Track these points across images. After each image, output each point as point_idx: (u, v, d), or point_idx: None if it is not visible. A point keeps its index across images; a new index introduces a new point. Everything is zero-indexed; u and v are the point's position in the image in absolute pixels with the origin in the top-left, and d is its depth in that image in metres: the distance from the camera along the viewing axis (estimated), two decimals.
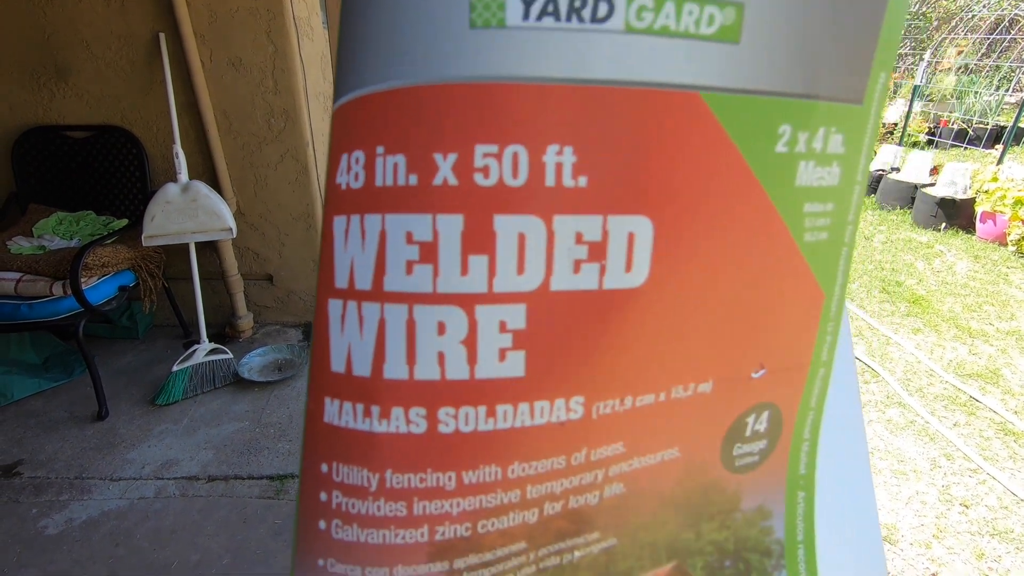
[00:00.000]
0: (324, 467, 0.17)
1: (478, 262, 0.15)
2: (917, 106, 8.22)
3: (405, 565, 0.16)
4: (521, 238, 0.15)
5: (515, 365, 0.16)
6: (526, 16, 0.14)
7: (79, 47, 2.28)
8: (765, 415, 0.18)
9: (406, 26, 0.14)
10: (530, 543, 0.17)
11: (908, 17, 11.20)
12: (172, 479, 1.90)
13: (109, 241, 2.22)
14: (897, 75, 9.09)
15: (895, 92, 8.44)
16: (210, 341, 2.43)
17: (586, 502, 0.17)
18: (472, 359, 0.16)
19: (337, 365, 0.17)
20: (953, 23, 9.96)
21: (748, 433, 0.18)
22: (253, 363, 2.46)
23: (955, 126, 7.73)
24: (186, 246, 2.33)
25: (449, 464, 0.16)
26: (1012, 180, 4.27)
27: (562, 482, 0.17)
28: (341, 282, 0.16)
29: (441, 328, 0.16)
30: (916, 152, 5.08)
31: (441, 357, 0.16)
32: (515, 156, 0.14)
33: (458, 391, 0.16)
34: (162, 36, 2.23)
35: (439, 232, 0.15)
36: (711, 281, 0.16)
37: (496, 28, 0.14)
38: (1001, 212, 4.13)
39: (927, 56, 8.15)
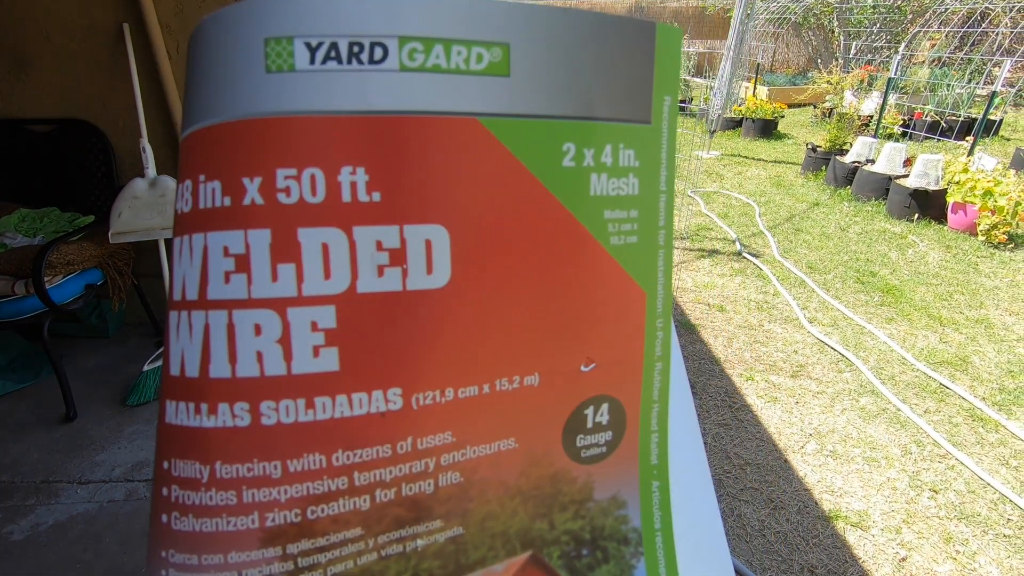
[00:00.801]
0: (165, 464, 0.19)
1: (286, 269, 0.17)
2: (892, 98, 8.35)
3: (239, 551, 0.18)
4: (325, 247, 0.17)
5: (329, 360, 0.17)
6: (312, 61, 0.17)
7: (38, 38, 2.20)
8: (605, 407, 0.20)
9: (217, 72, 0.17)
10: (366, 530, 0.18)
11: (883, 10, 11.36)
12: (143, 481, 1.86)
13: (74, 238, 2.16)
14: (873, 68, 9.21)
15: (871, 85, 8.55)
16: None
17: (421, 490, 0.18)
18: (288, 356, 0.18)
19: (174, 369, 0.18)
20: (927, 16, 10.12)
21: (590, 425, 0.20)
22: None
23: (928, 118, 7.87)
24: (156, 242, 2.28)
25: (274, 454, 0.18)
26: (982, 171, 4.36)
27: (391, 470, 0.18)
28: (176, 295, 0.18)
29: (257, 329, 0.17)
30: (890, 144, 5.15)
31: (259, 355, 0.18)
32: (312, 177, 0.17)
33: (277, 386, 0.18)
34: (126, 27, 2.17)
35: (250, 245, 0.17)
36: (518, 281, 0.18)
37: (287, 72, 0.17)
38: (971, 203, 4.21)
39: (901, 49, 8.28)
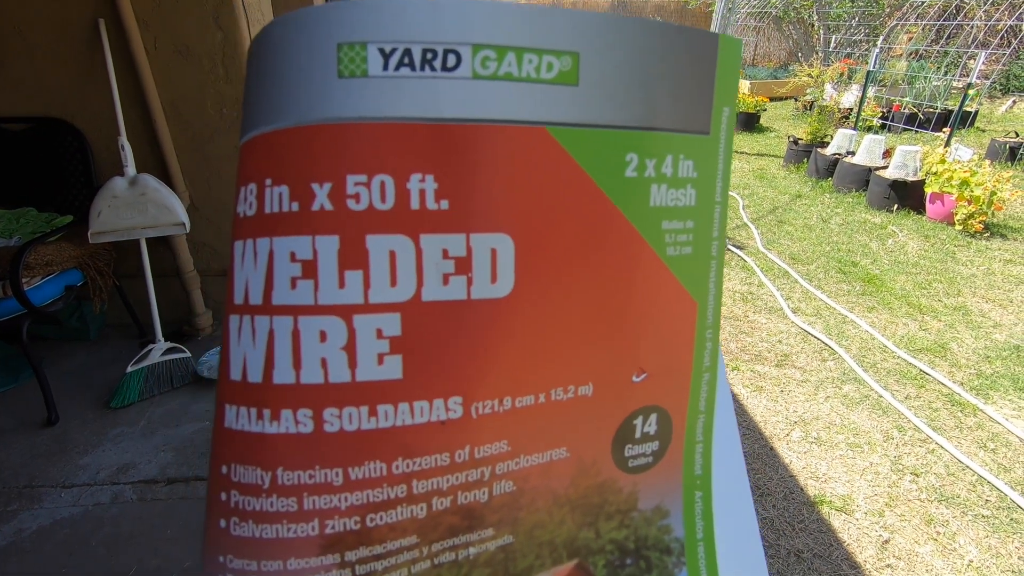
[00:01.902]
0: (224, 468, 0.19)
1: (353, 276, 0.17)
2: (871, 91, 8.47)
3: (298, 558, 0.17)
4: (392, 254, 0.17)
5: (393, 368, 0.18)
6: (385, 67, 0.17)
7: (11, 34, 2.15)
8: (653, 417, 0.20)
9: (287, 75, 0.17)
10: (421, 538, 0.18)
11: (861, 4, 11.50)
12: (129, 483, 1.84)
13: (52, 239, 2.12)
14: (852, 61, 9.32)
15: (850, 78, 8.66)
16: (167, 340, 2.35)
17: (475, 499, 0.18)
18: (352, 363, 0.18)
19: (235, 374, 0.19)
20: (904, 9, 10.26)
21: (638, 435, 0.20)
22: (213, 361, 2.39)
23: (907, 110, 8.00)
24: (137, 242, 2.24)
25: (335, 461, 0.18)
26: (958, 162, 4.44)
27: (448, 478, 0.18)
28: (238, 299, 0.19)
29: (323, 336, 0.17)
30: (870, 136, 5.23)
31: (324, 362, 0.18)
32: (382, 184, 0.17)
33: (341, 393, 0.18)
34: (101, 22, 2.13)
35: (318, 251, 0.17)
36: (577, 291, 0.18)
37: (360, 77, 0.17)
38: (948, 193, 4.30)
39: (879, 42, 8.39)
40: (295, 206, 0.17)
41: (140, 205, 2.15)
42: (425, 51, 0.17)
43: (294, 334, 0.17)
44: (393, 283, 0.17)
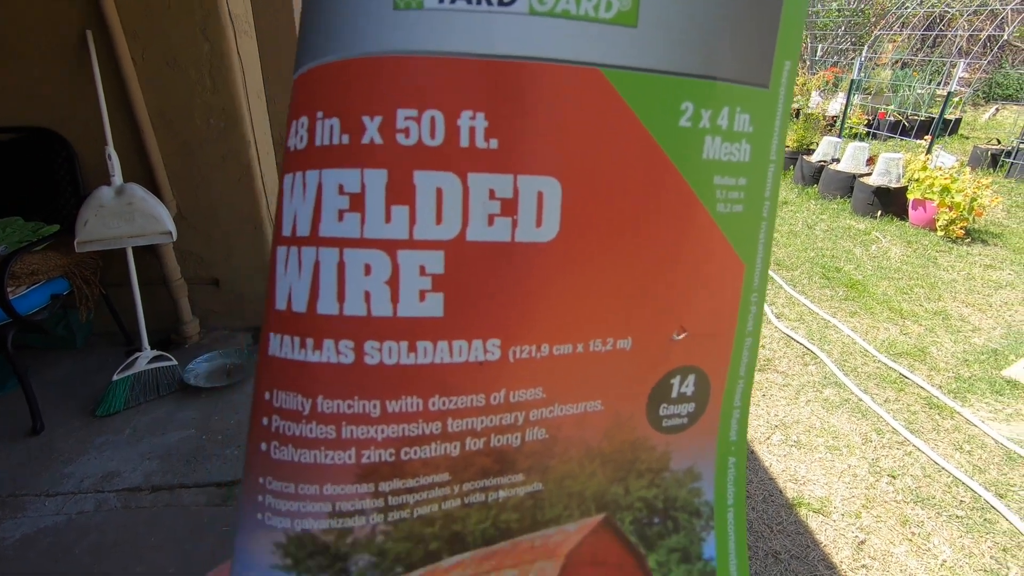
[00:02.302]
0: (267, 395, 0.19)
1: (400, 211, 0.17)
2: (856, 99, 8.60)
3: (334, 484, 0.18)
4: (439, 192, 0.17)
5: (434, 306, 0.18)
6: (441, 0, 0.16)
7: (4, 45, 2.17)
8: (691, 378, 0.20)
9: (341, 8, 0.17)
10: (453, 476, 0.19)
11: (847, 14, 11.69)
12: (113, 491, 1.84)
13: (39, 248, 2.13)
14: (838, 70, 9.46)
15: (836, 86, 8.79)
16: (154, 348, 2.36)
17: (508, 443, 0.19)
18: (395, 298, 0.18)
19: (280, 303, 0.19)
20: (889, 19, 10.44)
21: (674, 395, 0.20)
22: (199, 369, 2.40)
23: (892, 118, 8.12)
24: (124, 251, 2.25)
25: (374, 393, 0.18)
26: (940, 169, 4.52)
27: (482, 419, 0.18)
28: (286, 231, 0.19)
29: (367, 269, 0.18)
30: (854, 143, 5.31)
31: (367, 295, 0.18)
32: (432, 119, 0.17)
33: (382, 327, 0.18)
34: (89, 33, 2.15)
35: (366, 184, 0.17)
36: (622, 241, 0.18)
37: (416, 9, 0.16)
38: (930, 199, 4.37)
39: (864, 51, 8.53)
40: (345, 139, 0.17)
41: (127, 214, 2.16)
42: None
43: (339, 266, 0.17)
44: (439, 221, 0.17)
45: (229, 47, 2.23)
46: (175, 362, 2.34)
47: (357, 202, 0.17)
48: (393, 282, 0.17)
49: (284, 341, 0.18)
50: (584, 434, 0.19)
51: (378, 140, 0.17)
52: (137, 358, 2.29)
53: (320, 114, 0.17)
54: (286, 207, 0.18)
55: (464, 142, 0.17)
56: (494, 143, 0.17)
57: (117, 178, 2.19)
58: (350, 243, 0.17)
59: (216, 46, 2.23)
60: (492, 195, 0.17)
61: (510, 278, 0.18)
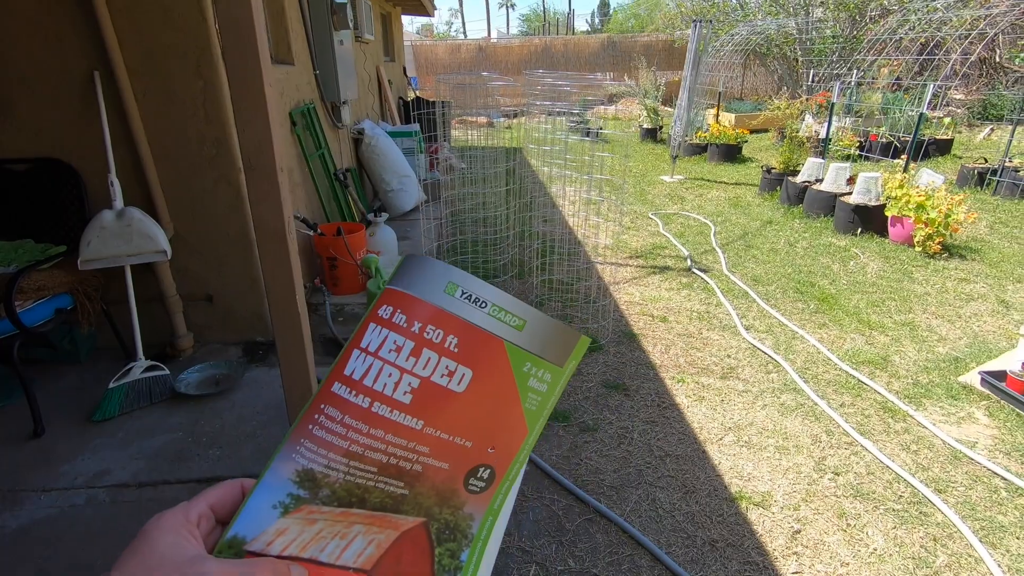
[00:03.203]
0: (322, 405, 0.37)
1: (412, 359, 0.39)
2: (847, 121, 8.76)
3: (334, 453, 0.36)
4: (429, 359, 0.39)
5: (407, 398, 0.38)
6: (461, 295, 0.40)
7: (18, 84, 2.42)
8: (489, 471, 0.38)
9: (426, 279, 0.41)
10: (378, 471, 0.36)
11: (841, 40, 11.95)
12: (103, 487, 2.00)
13: (46, 266, 2.34)
14: (830, 94, 9.63)
15: (829, 110, 8.95)
16: (149, 360, 2.53)
17: (404, 466, 0.36)
18: (394, 389, 0.38)
19: (347, 371, 0.39)
20: (881, 45, 10.65)
21: (478, 475, 0.37)
22: (191, 378, 2.57)
23: (883, 139, 8.26)
24: (123, 270, 2.46)
25: (368, 423, 0.37)
26: (915, 187, 4.64)
27: (400, 451, 0.37)
28: (363, 344, 0.40)
29: (390, 375, 0.39)
30: (835, 164, 5.46)
31: (384, 385, 0.38)
32: (439, 333, 0.39)
33: (384, 398, 0.38)
34: (96, 74, 2.39)
35: (403, 345, 0.39)
36: (486, 404, 0.38)
37: (451, 296, 0.40)
38: (907, 216, 4.48)
39: (854, 76, 8.72)
40: (404, 324, 0.39)
41: (126, 235, 2.37)
42: (477, 298, 0.39)
43: (380, 369, 0.38)
44: (424, 368, 0.38)
45: (221, 83, 2.46)
46: (167, 372, 2.52)
47: (398, 349, 0.39)
48: (397, 384, 0.38)
49: (342, 388, 0.38)
50: (434, 477, 0.37)
51: (416, 331, 0.39)
52: (132, 367, 2.47)
53: (399, 310, 0.40)
54: (367, 335, 0.39)
55: (446, 344, 0.39)
56: (456, 349, 0.39)
57: (118, 202, 2.40)
58: (388, 363, 0.38)
59: (209, 82, 2.46)
60: (447, 368, 0.38)
61: (439, 400, 0.38)
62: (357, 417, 0.37)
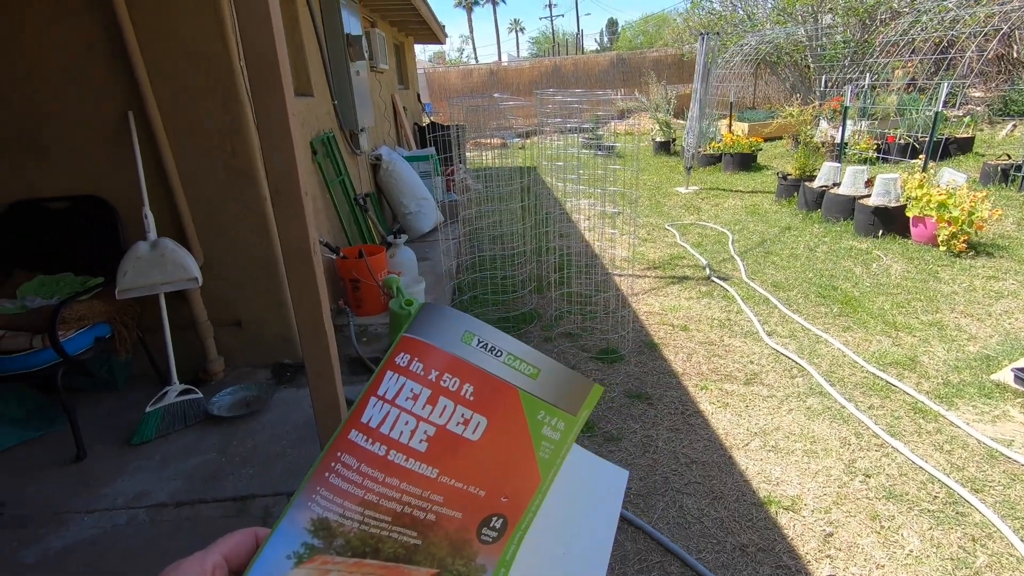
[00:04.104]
0: (339, 453, 0.37)
1: (428, 407, 0.38)
2: (863, 124, 8.70)
3: (349, 503, 0.36)
4: (445, 407, 0.39)
5: (422, 446, 0.38)
6: (476, 345, 0.40)
7: (57, 129, 2.57)
8: (501, 520, 0.37)
9: (445, 328, 0.41)
10: (392, 521, 0.36)
11: (852, 45, 11.91)
12: (142, 508, 2.06)
13: (85, 297, 2.45)
14: (843, 98, 9.59)
15: (843, 114, 8.91)
16: (183, 384, 2.62)
17: (418, 516, 0.36)
18: (410, 438, 0.38)
19: (364, 419, 0.38)
20: (895, 46, 10.59)
21: (491, 525, 0.37)
22: (223, 401, 2.65)
23: (902, 141, 8.17)
24: (158, 298, 2.56)
25: (384, 471, 0.37)
26: (936, 186, 4.58)
27: (415, 500, 0.37)
28: (381, 392, 0.39)
29: (406, 423, 0.38)
30: (852, 167, 5.42)
31: (401, 433, 0.38)
32: (455, 381, 0.39)
33: (400, 446, 0.37)
34: (130, 114, 2.53)
35: (420, 393, 0.39)
36: (501, 453, 0.39)
37: (467, 344, 0.40)
38: (928, 216, 4.42)
39: (867, 79, 8.68)
40: (421, 372, 0.39)
41: (160, 264, 2.48)
42: (492, 347, 0.40)
43: (397, 416, 0.38)
44: (440, 416, 0.38)
45: (246, 118, 2.58)
46: (201, 395, 2.60)
47: (415, 397, 0.39)
48: (413, 432, 0.38)
49: (359, 435, 0.38)
50: (447, 527, 0.37)
51: (432, 379, 0.39)
52: (167, 392, 2.55)
53: (416, 359, 0.40)
54: (384, 382, 0.39)
55: (462, 393, 0.39)
56: (471, 397, 0.39)
57: (152, 233, 2.52)
58: (405, 411, 0.38)
59: (236, 117, 2.59)
60: (463, 416, 0.39)
61: (454, 448, 0.38)
62: (373, 465, 0.36)
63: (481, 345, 0.40)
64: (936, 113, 4.80)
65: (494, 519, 0.37)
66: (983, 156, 8.09)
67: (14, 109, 2.55)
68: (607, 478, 0.49)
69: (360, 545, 0.35)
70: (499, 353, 0.40)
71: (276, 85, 1.55)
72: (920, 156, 5.50)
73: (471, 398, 0.38)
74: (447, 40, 11.20)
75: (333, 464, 0.37)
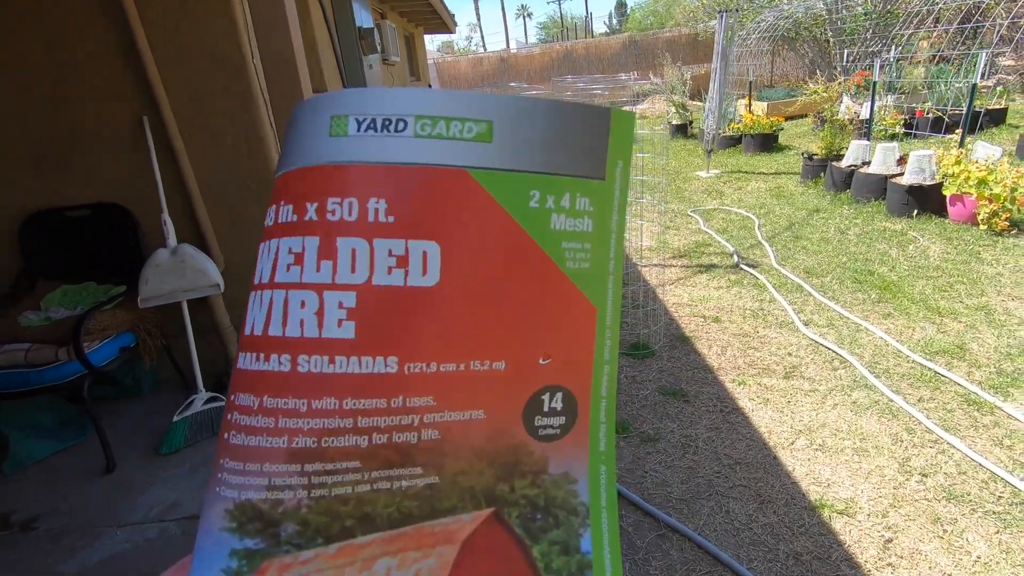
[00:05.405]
0: (232, 397, 0.25)
1: (326, 264, 0.24)
2: (890, 99, 8.39)
3: (271, 463, 0.23)
4: (353, 251, 0.24)
5: (348, 330, 0.24)
6: (358, 130, 0.25)
7: (73, 139, 2.53)
8: (559, 395, 0.25)
9: (300, 136, 0.26)
10: (363, 463, 0.24)
11: (874, 17, 11.50)
12: (174, 520, 2.04)
13: (108, 307, 2.42)
14: (868, 73, 9.27)
15: (868, 89, 8.61)
16: (209, 391, 2.59)
17: (406, 439, 0.24)
18: (320, 325, 0.24)
19: (247, 331, 0.25)
20: (920, 16, 10.20)
21: (546, 408, 0.25)
22: None
23: (930, 115, 7.87)
24: (180, 304, 2.53)
25: (303, 393, 0.24)
26: (974, 163, 4.38)
27: (385, 419, 0.24)
28: (256, 280, 0.26)
29: (303, 304, 0.24)
30: (882, 145, 5.21)
31: (302, 322, 0.24)
32: (350, 204, 0.24)
33: (311, 345, 0.24)
34: (146, 119, 2.48)
35: (305, 247, 0.24)
36: (492, 287, 0.25)
37: (342, 136, 0.25)
38: (967, 193, 4.23)
39: (893, 52, 8.36)
40: (294, 217, 0.25)
41: (180, 271, 2.44)
42: (384, 120, 0.25)
43: (284, 302, 0.25)
44: (353, 270, 0.24)
45: (262, 120, 2.52)
46: None
47: (299, 258, 0.25)
48: (320, 313, 0.24)
49: (247, 357, 0.25)
50: (470, 437, 0.24)
51: (315, 218, 0.25)
52: (194, 400, 2.53)
53: (282, 202, 0.26)
54: (258, 265, 0.27)
55: (371, 218, 0.24)
56: (391, 218, 0.24)
57: (172, 240, 2.48)
58: (293, 286, 0.25)
59: (252, 119, 2.52)
60: (390, 253, 0.24)
61: (404, 311, 0.24)
62: (283, 391, 0.24)
63: (366, 126, 0.25)
64: (973, 85, 4.57)
65: (545, 397, 0.25)
66: (1017, 128, 7.77)
67: (32, 122, 2.51)
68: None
69: (329, 522, 0.23)
70: (401, 124, 0.25)
71: (295, 86, 1.47)
72: (956, 131, 5.26)
73: (389, 219, 0.24)
74: (456, 29, 11.05)
75: (230, 416, 0.24)
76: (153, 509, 2.09)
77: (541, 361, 0.25)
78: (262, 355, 0.24)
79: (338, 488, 0.23)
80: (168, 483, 2.22)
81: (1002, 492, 1.85)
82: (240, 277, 2.77)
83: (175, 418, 2.46)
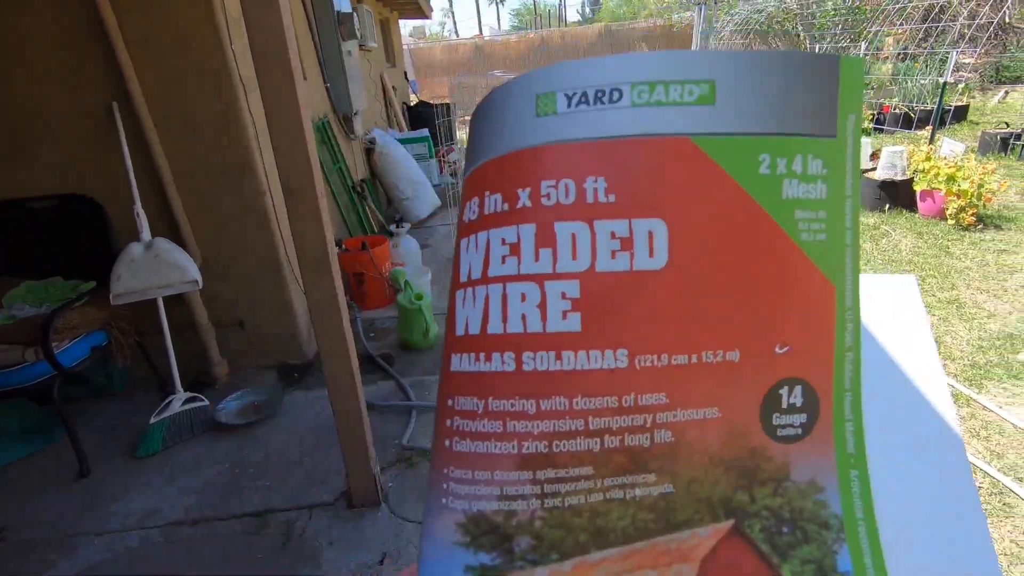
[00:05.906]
0: (449, 402, 0.23)
1: (546, 252, 0.22)
2: None
3: (502, 471, 0.22)
4: (573, 236, 0.22)
5: (574, 323, 0.22)
6: (568, 106, 0.23)
7: (36, 123, 2.38)
8: (798, 389, 0.22)
9: (504, 121, 0.24)
10: (595, 470, 0.22)
11: (843, 12, 11.74)
12: (156, 527, 1.96)
13: (78, 304, 2.30)
14: None
15: None
16: (186, 390, 2.50)
17: (639, 443, 0.22)
18: (544, 318, 0.22)
19: (459, 331, 0.24)
20: (886, 14, 10.46)
21: (785, 405, 0.22)
22: (230, 407, 2.53)
23: (898, 111, 8.09)
24: (156, 300, 2.41)
25: (530, 393, 0.22)
26: (943, 159, 4.52)
27: (617, 419, 0.22)
28: (463, 277, 0.24)
29: (523, 297, 0.22)
30: None
31: (524, 317, 0.22)
32: (566, 185, 0.22)
33: (535, 340, 0.22)
34: (115, 105, 2.35)
35: (520, 236, 0.23)
36: (721, 267, 0.22)
37: (551, 115, 0.23)
38: (937, 189, 4.36)
39: (862, 48, 8.55)
40: (505, 206, 0.23)
41: (155, 266, 2.33)
42: (597, 91, 0.22)
43: (503, 297, 0.23)
44: (574, 257, 0.22)
45: (240, 106, 2.41)
46: (207, 402, 2.48)
47: (514, 249, 0.23)
48: (542, 305, 0.22)
49: (463, 358, 0.23)
50: (706, 439, 0.22)
51: (528, 204, 0.23)
52: (171, 401, 2.43)
53: (487, 192, 0.24)
54: (463, 261, 0.24)
55: (590, 199, 0.22)
56: (612, 197, 0.22)
57: (145, 234, 2.36)
58: (510, 279, 0.23)
59: (230, 105, 2.41)
60: (613, 236, 0.22)
61: (631, 298, 0.22)
62: (507, 392, 0.22)
63: (577, 101, 0.23)
64: (944, 83, 4.70)
65: (783, 392, 0.22)
66: (977, 124, 8.06)
67: None
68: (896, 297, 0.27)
69: (563, 535, 0.21)
70: (616, 94, 0.22)
71: (287, 76, 1.40)
72: (926, 128, 5.42)
73: (609, 199, 0.22)
74: (431, 14, 10.85)
75: (449, 421, 0.23)
76: (132, 516, 2.01)
77: (777, 349, 0.22)
78: (483, 355, 0.22)
79: (571, 498, 0.21)
80: (147, 489, 2.13)
81: (981, 483, 1.91)
82: (219, 272, 2.67)
83: (152, 419, 2.36)
